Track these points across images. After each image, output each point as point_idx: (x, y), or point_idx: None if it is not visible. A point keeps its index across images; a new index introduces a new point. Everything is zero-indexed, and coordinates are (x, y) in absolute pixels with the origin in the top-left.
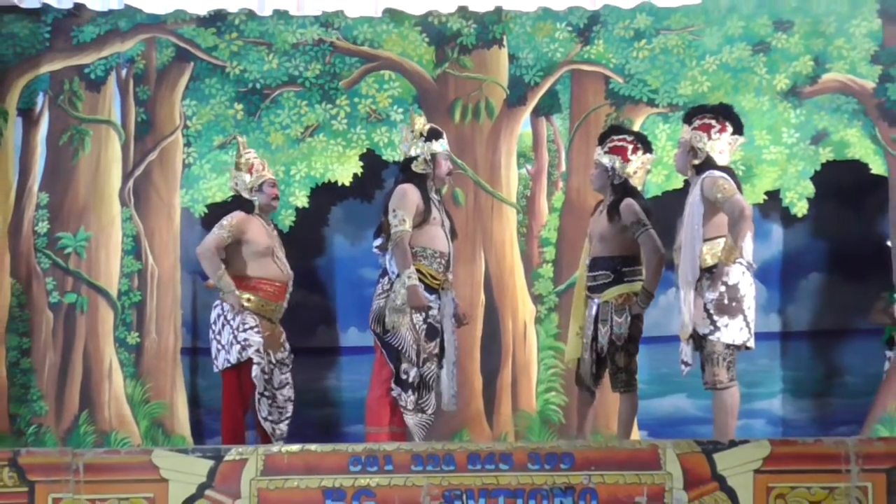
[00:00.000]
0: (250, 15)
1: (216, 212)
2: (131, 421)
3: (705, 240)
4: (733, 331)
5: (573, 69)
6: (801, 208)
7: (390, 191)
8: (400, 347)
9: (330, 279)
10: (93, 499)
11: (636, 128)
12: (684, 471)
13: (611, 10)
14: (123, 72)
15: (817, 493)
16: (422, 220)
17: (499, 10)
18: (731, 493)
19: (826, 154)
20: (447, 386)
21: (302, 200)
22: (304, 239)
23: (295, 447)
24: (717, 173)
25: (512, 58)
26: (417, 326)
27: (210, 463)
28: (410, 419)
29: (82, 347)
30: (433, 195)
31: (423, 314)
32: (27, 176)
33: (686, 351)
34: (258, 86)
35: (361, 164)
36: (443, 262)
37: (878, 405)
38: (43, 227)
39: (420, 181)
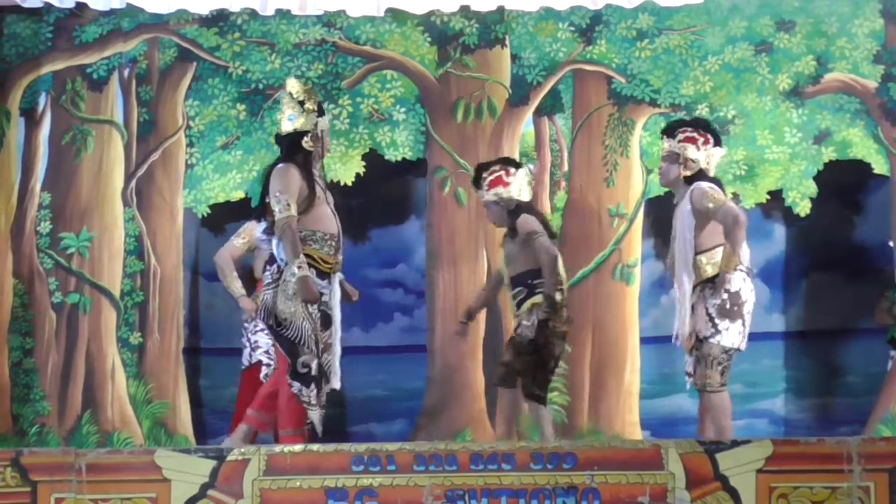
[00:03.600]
0: (253, 15)
1: (219, 212)
2: (134, 421)
3: (703, 251)
4: (733, 334)
5: (575, 69)
6: (803, 208)
7: (269, 170)
8: (297, 339)
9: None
10: (95, 499)
11: (638, 128)
12: (687, 471)
13: (613, 9)
14: (126, 72)
15: (819, 493)
16: (308, 202)
17: (501, 9)
18: (734, 493)
19: (828, 154)
20: (337, 371)
21: None
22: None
23: (297, 447)
24: (705, 184)
25: (514, 57)
26: (314, 315)
27: (212, 463)
28: (315, 414)
29: (85, 347)
30: (316, 172)
31: (315, 304)
32: (30, 176)
33: (690, 362)
34: (261, 86)
35: (364, 163)
36: (333, 244)
37: (881, 405)
38: (45, 227)
39: (305, 158)
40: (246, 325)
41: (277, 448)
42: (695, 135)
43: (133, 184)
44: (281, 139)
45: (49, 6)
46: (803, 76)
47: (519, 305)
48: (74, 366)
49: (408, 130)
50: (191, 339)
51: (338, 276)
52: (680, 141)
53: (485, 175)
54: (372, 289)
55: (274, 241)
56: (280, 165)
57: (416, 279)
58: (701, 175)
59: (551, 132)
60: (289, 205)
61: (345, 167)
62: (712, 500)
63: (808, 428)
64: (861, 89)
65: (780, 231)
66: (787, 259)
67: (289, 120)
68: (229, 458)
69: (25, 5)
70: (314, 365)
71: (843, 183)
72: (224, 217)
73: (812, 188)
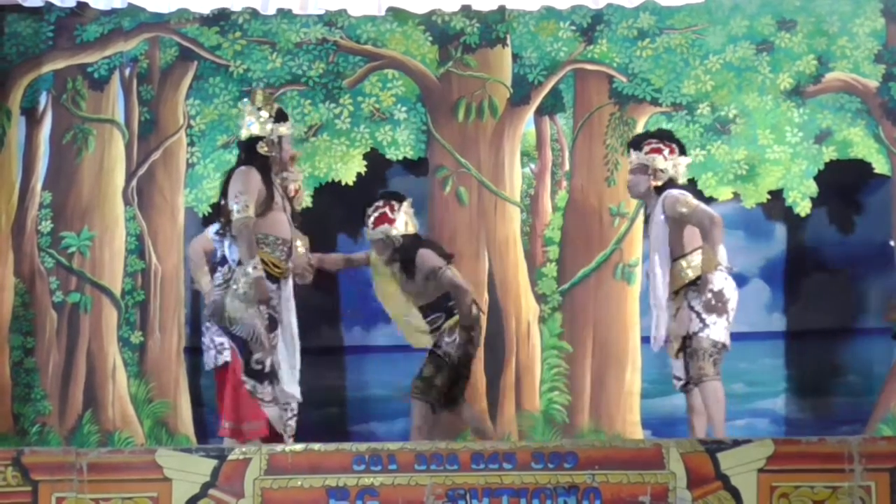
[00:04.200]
0: (254, 14)
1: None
2: (135, 420)
3: (682, 255)
4: (720, 328)
5: (577, 68)
6: (804, 207)
7: (229, 172)
8: (249, 337)
9: (333, 278)
10: (96, 498)
11: (640, 127)
12: (688, 470)
13: (614, 9)
14: (127, 71)
15: (820, 493)
16: (265, 206)
17: (502, 9)
18: (735, 493)
19: (829, 153)
20: (287, 378)
21: (305, 200)
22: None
23: (298, 446)
24: (676, 191)
25: (515, 57)
26: (264, 315)
27: (214, 462)
28: (271, 411)
29: (86, 347)
30: (275, 179)
31: (266, 305)
32: (30, 175)
33: (677, 366)
34: (262, 85)
35: (365, 163)
36: (285, 249)
37: (882, 404)
38: (46, 226)
39: (263, 163)
40: (208, 324)
41: (279, 447)
42: (660, 145)
43: (134, 183)
44: (240, 144)
45: (50, 5)
46: (804, 75)
47: (438, 328)
48: (75, 365)
49: (409, 130)
50: (192, 338)
51: (289, 283)
52: (647, 153)
53: (369, 212)
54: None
55: (226, 243)
56: (241, 168)
57: None
58: (670, 184)
59: (552, 131)
60: (247, 205)
61: (346, 166)
62: (713, 499)
63: (809, 427)
64: (862, 89)
65: (780, 231)
66: (787, 259)
67: (247, 126)
68: (230, 457)
69: (26, 4)
70: (267, 362)
71: (844, 183)
72: None
73: (813, 188)
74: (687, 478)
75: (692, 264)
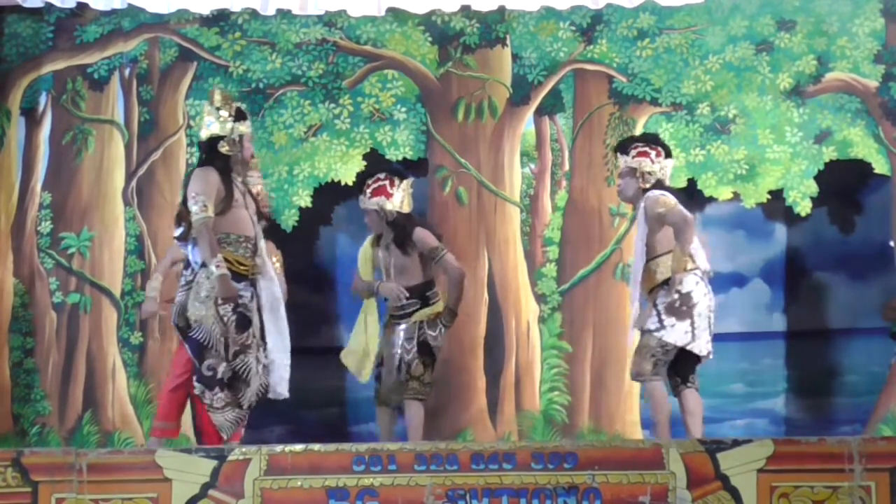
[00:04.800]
0: (253, 14)
1: None
2: (134, 421)
3: (660, 255)
4: (677, 332)
5: (576, 68)
6: (804, 207)
7: (188, 175)
8: (205, 342)
9: (332, 278)
10: (96, 499)
11: (640, 127)
12: (688, 470)
13: (614, 9)
14: (127, 71)
15: (820, 493)
16: (224, 204)
17: (502, 9)
18: (735, 493)
19: (829, 153)
20: (278, 374)
21: (305, 200)
22: (306, 238)
23: (298, 447)
24: (656, 191)
25: (515, 57)
26: (226, 318)
27: (213, 463)
28: (217, 417)
29: (86, 347)
30: (236, 177)
31: (232, 304)
32: (30, 175)
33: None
34: (261, 85)
35: (364, 163)
36: (249, 246)
37: (882, 404)
38: (46, 226)
39: (223, 163)
40: None
41: (278, 448)
42: (647, 149)
43: (134, 183)
44: (201, 144)
45: (50, 6)
46: (804, 75)
47: (409, 315)
48: (75, 365)
49: (408, 130)
50: None
51: (262, 280)
52: (634, 156)
53: (369, 182)
54: None
55: (189, 246)
56: (199, 168)
57: None
58: (658, 186)
59: (552, 131)
60: (206, 206)
61: (346, 166)
62: (713, 499)
63: (809, 427)
64: (862, 89)
65: (780, 231)
66: (787, 259)
67: (206, 126)
68: (230, 457)
69: (26, 5)
70: (221, 368)
71: (844, 182)
72: None
73: (813, 188)
74: (687, 478)
75: (668, 264)
